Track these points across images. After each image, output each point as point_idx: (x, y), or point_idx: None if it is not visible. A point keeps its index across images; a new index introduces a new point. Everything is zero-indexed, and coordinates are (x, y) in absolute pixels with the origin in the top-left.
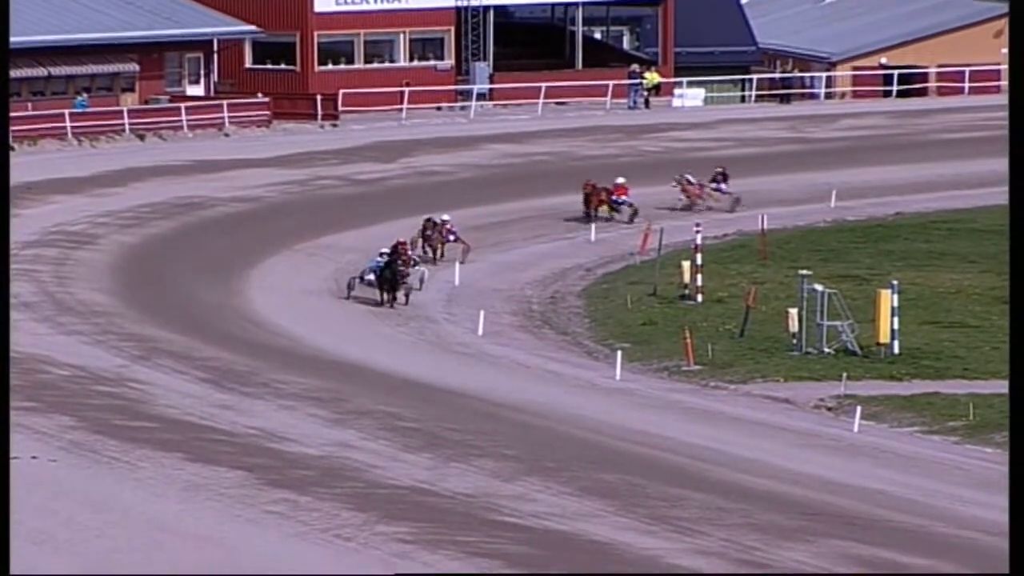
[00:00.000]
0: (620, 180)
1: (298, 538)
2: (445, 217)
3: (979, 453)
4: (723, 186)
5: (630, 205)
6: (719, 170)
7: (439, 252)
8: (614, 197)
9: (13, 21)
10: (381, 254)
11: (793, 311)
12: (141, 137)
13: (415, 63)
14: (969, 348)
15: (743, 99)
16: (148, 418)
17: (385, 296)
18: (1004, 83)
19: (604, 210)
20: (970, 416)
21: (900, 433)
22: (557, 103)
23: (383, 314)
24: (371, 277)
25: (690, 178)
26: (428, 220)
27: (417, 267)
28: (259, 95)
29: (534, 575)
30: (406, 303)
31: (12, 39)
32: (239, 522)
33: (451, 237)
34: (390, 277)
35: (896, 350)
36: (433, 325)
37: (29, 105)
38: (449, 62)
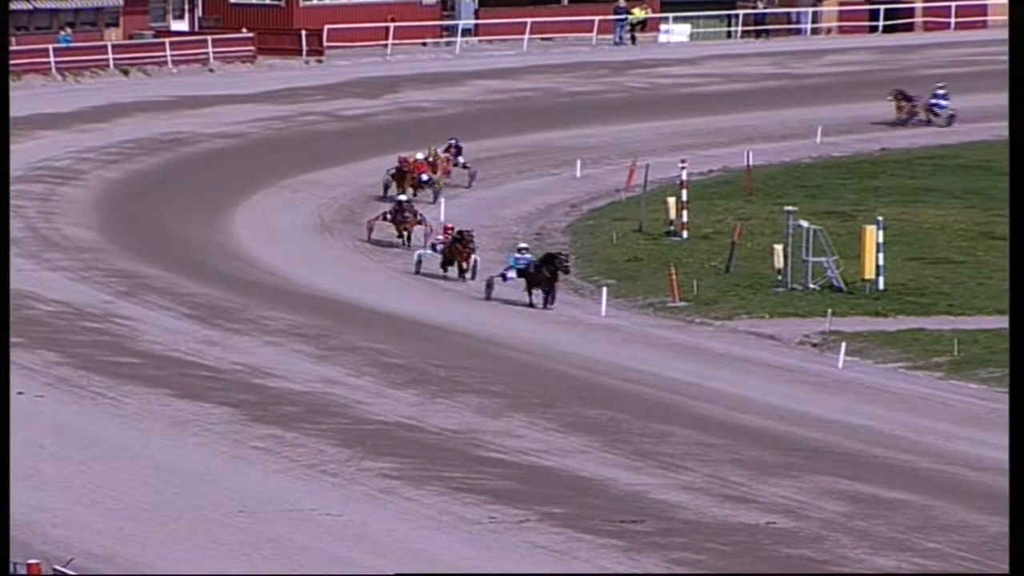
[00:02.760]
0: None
1: (284, 474)
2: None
3: (964, 389)
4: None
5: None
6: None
7: (409, 235)
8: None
9: None
10: (520, 250)
11: (778, 247)
12: (125, 72)
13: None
14: (954, 284)
15: (729, 35)
16: (134, 354)
17: (539, 297)
18: (990, 18)
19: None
20: (955, 352)
21: (885, 369)
22: (543, 39)
23: (368, 250)
24: (512, 275)
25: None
26: (397, 202)
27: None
28: (244, 30)
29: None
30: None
31: None
32: (225, 458)
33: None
34: (548, 275)
35: (881, 286)
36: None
37: (13, 40)
38: None
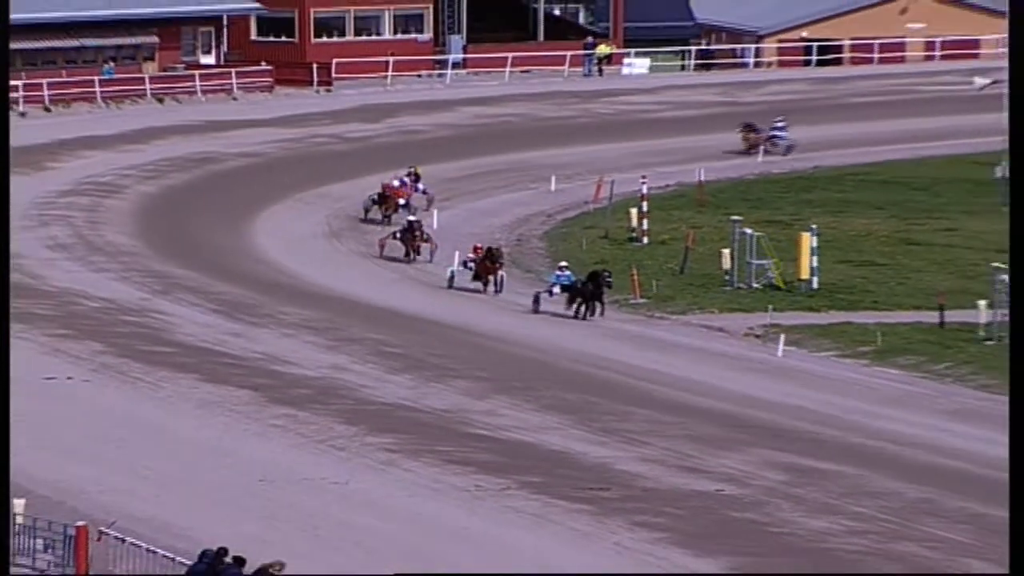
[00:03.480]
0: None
1: (298, 448)
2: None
3: (886, 374)
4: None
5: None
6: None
7: (417, 252)
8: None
9: None
10: (560, 267)
11: (726, 251)
12: (160, 100)
13: (398, 36)
14: (878, 283)
15: (683, 68)
16: (168, 344)
17: (582, 310)
18: (908, 54)
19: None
20: (878, 342)
21: (818, 357)
22: (522, 71)
23: (370, 253)
24: (557, 291)
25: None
26: (408, 221)
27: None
28: (263, 64)
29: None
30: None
31: (48, 15)
32: (247, 434)
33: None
34: (593, 291)
35: (815, 285)
36: (415, 264)
37: (63, 72)
38: (428, 35)
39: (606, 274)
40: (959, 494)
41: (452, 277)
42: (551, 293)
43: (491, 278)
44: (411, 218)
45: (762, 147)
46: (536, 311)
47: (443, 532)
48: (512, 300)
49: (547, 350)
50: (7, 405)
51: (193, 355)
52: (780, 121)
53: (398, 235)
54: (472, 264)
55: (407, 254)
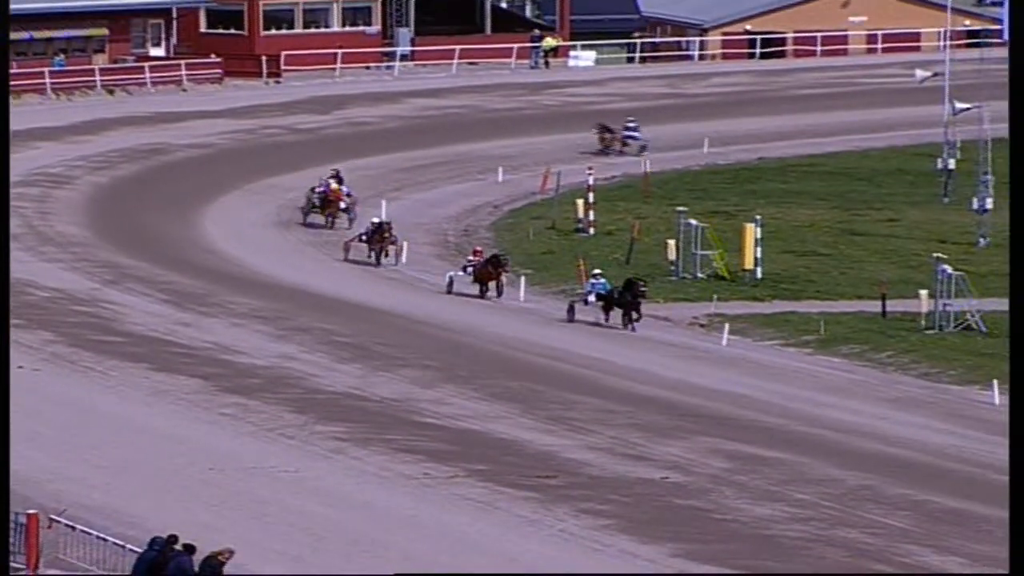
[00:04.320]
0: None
1: (248, 436)
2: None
3: (829, 363)
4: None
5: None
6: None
7: (384, 253)
8: None
9: None
10: (594, 275)
11: (671, 242)
12: (111, 92)
13: (347, 28)
14: (821, 273)
15: (629, 60)
16: (118, 334)
17: (620, 318)
18: (850, 47)
19: None
20: (821, 331)
21: (762, 346)
22: (469, 63)
23: (320, 244)
24: (592, 299)
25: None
26: (375, 223)
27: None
28: (212, 56)
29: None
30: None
31: None
32: (197, 423)
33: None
34: (630, 301)
35: (759, 275)
36: (363, 254)
37: (14, 64)
38: (376, 28)
39: (641, 283)
40: (900, 481)
41: (451, 282)
42: (586, 302)
43: (491, 284)
44: (377, 220)
45: (616, 147)
46: (571, 320)
47: (392, 519)
48: (455, 288)
49: (494, 339)
50: (7, 405)
51: (143, 344)
52: (632, 121)
53: (364, 237)
54: (472, 268)
55: (376, 257)
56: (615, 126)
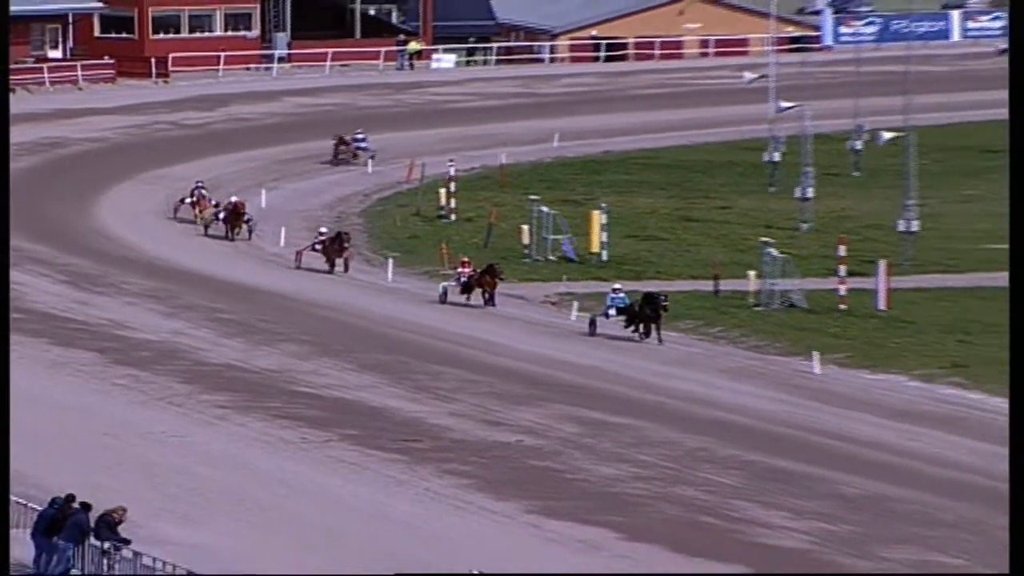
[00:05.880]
0: (360, 133)
1: (140, 404)
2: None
3: (667, 337)
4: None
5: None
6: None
7: (336, 262)
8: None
9: None
10: (615, 289)
11: (525, 227)
12: (12, 91)
13: (229, 33)
14: (660, 256)
15: (486, 62)
16: (20, 311)
17: (640, 331)
18: (685, 51)
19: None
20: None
21: (608, 322)
22: (341, 65)
23: (197, 219)
24: (613, 312)
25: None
26: (335, 232)
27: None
28: (105, 58)
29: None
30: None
31: None
32: (93, 393)
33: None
34: (651, 314)
35: (605, 257)
36: (246, 239)
37: None
38: (256, 32)
39: (662, 297)
40: (732, 443)
41: (445, 292)
42: (607, 315)
43: (487, 292)
44: (324, 230)
45: (349, 157)
46: (592, 334)
47: (272, 480)
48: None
49: (366, 316)
50: (7, 405)
51: (43, 321)
52: (360, 133)
53: (318, 247)
54: (465, 279)
55: (331, 265)
56: (348, 138)
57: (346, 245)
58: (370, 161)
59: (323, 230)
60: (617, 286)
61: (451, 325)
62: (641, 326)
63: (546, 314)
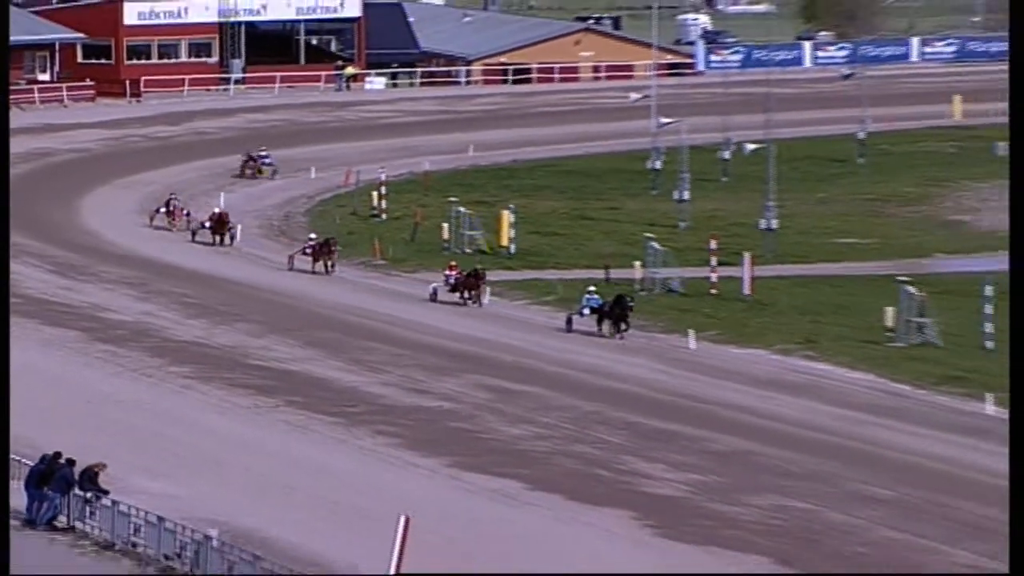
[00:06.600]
0: (264, 152)
1: (116, 376)
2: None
3: (565, 316)
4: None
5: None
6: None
7: (329, 264)
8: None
9: None
10: (590, 291)
11: (445, 225)
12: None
13: (192, 59)
14: (559, 249)
15: (411, 84)
16: (16, 296)
17: (609, 328)
18: (580, 75)
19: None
20: (559, 293)
21: (515, 305)
22: (288, 86)
23: (173, 227)
24: (587, 311)
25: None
26: (321, 238)
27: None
28: (87, 80)
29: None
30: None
31: None
32: (77, 365)
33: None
34: (619, 313)
35: (512, 250)
36: (206, 236)
37: None
38: (215, 59)
39: (628, 299)
40: (621, 408)
41: (435, 292)
42: (582, 314)
43: (473, 292)
44: (313, 236)
45: (253, 172)
46: (569, 331)
47: (230, 440)
48: (280, 261)
49: (311, 300)
50: (7, 400)
51: (35, 305)
52: (264, 150)
53: (309, 251)
54: (453, 281)
55: (325, 267)
56: (255, 154)
57: (333, 249)
58: (275, 174)
59: (312, 236)
60: (592, 288)
61: (381, 308)
62: (609, 324)
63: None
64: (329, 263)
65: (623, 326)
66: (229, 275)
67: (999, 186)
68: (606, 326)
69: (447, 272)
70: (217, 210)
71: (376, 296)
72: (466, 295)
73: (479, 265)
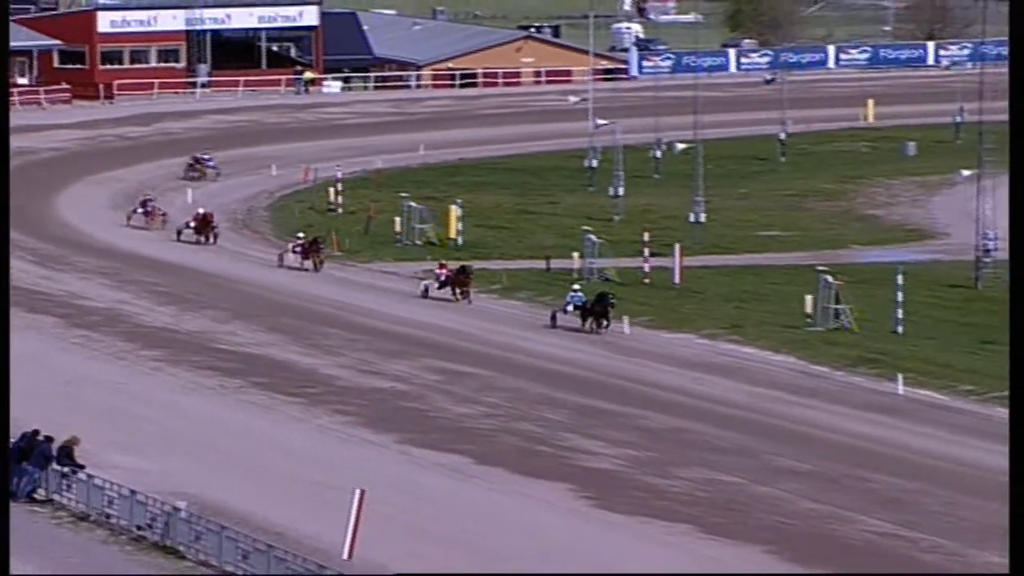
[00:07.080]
0: (207, 155)
1: (92, 359)
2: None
3: (509, 305)
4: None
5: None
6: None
7: (317, 262)
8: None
9: None
10: (574, 289)
11: (398, 219)
12: None
13: (162, 64)
14: (504, 240)
15: (365, 88)
16: None
17: (591, 324)
18: (522, 80)
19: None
20: (504, 282)
21: (503, 303)
22: (251, 90)
23: (143, 223)
24: (571, 308)
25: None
26: (311, 237)
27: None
28: (63, 84)
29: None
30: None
31: None
32: (55, 349)
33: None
34: (600, 310)
35: (460, 242)
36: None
37: None
38: (183, 64)
39: (611, 296)
40: (561, 389)
41: (426, 290)
42: (566, 311)
43: (462, 289)
44: (301, 235)
45: (198, 174)
46: (554, 327)
47: (198, 418)
48: (243, 252)
49: (273, 289)
50: (7, 398)
51: (16, 294)
52: (207, 153)
53: (298, 249)
54: (443, 278)
55: (314, 264)
56: (201, 157)
57: (321, 247)
58: (217, 176)
59: (300, 235)
60: (576, 286)
61: (337, 296)
62: (592, 320)
63: (414, 287)
64: (317, 260)
65: (604, 322)
66: (195, 265)
67: (908, 183)
68: (589, 322)
69: (437, 271)
70: (201, 211)
71: (332, 285)
72: (457, 292)
73: (464, 263)
